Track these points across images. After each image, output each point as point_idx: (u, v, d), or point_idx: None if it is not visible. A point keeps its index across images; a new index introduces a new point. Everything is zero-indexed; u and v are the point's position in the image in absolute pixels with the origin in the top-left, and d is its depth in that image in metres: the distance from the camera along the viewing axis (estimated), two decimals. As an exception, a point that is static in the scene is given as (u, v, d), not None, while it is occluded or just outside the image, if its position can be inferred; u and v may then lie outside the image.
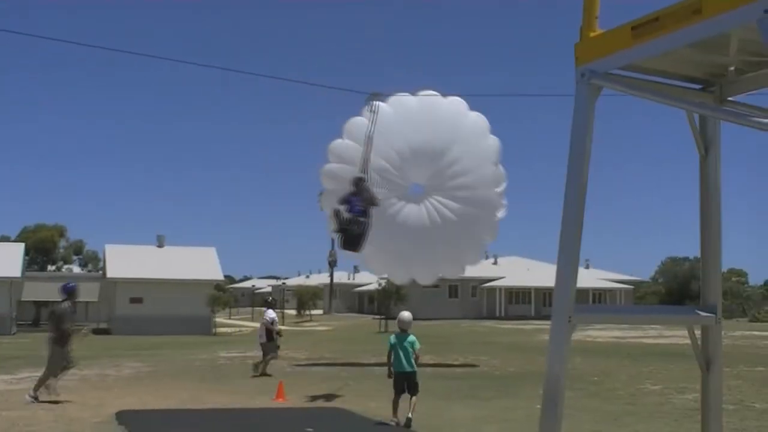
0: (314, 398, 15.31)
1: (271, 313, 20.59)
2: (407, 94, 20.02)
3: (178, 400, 14.83)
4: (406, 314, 12.60)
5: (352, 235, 14.40)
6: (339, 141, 20.02)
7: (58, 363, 14.33)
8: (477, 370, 21.42)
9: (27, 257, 57.96)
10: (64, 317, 14.32)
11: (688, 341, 5.50)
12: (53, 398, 14.08)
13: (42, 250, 70.45)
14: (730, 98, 5.11)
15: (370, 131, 16.33)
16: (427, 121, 19.08)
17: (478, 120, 19.68)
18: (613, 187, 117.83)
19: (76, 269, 74.31)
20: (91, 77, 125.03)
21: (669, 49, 4.43)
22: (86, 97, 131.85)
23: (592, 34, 4.92)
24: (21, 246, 53.69)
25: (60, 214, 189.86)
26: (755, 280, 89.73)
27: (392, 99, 19.69)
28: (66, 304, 14.58)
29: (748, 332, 39.93)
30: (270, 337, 20.10)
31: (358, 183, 15.16)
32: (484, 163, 19.15)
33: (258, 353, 21.38)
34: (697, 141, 5.22)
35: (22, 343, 34.69)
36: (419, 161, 19.16)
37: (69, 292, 14.75)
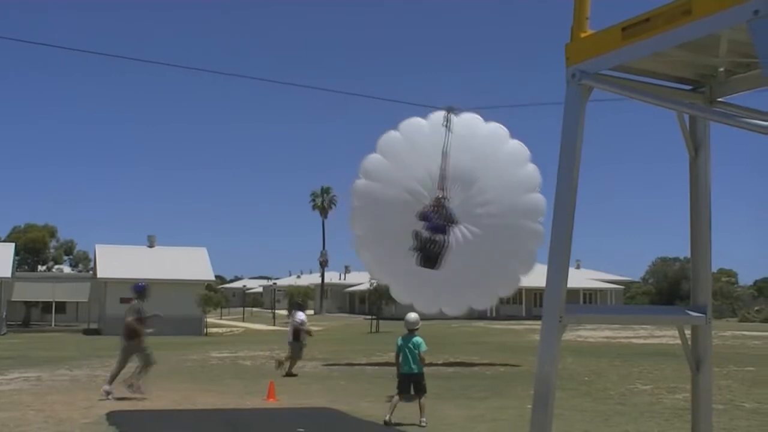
0: (366, 397, 15.30)
1: (301, 315, 20.84)
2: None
3: (169, 401, 14.78)
4: (412, 315, 12.68)
5: (430, 254, 14.29)
6: (372, 156, 19.81)
7: (144, 353, 15.30)
8: (468, 370, 21.44)
9: (17, 257, 57.73)
10: (129, 313, 15.30)
11: (678, 341, 5.52)
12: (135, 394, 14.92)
13: (32, 250, 70.18)
14: (720, 99, 5.13)
15: (445, 146, 15.59)
16: (463, 146, 18.81)
17: (517, 148, 19.31)
18: (603, 188, 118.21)
19: (67, 269, 74.09)
20: (83, 79, 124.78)
21: (659, 49, 4.44)
22: (78, 99, 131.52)
23: (582, 35, 4.93)
24: (11, 246, 53.47)
25: (50, 214, 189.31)
26: (745, 280, 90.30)
27: (432, 118, 19.48)
28: (135, 303, 15.54)
29: (738, 332, 40.10)
30: (297, 337, 20.27)
31: (437, 200, 14.96)
32: (518, 193, 18.72)
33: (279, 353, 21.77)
34: (687, 142, 5.23)
35: (11, 344, 34.57)
36: (451, 186, 18.87)
37: (138, 291, 15.87)
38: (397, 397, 12.19)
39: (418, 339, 12.30)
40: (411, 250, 14.50)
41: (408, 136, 18.86)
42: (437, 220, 14.49)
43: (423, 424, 11.84)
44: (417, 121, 18.73)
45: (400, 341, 12.39)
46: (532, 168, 19.09)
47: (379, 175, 18.93)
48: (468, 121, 18.95)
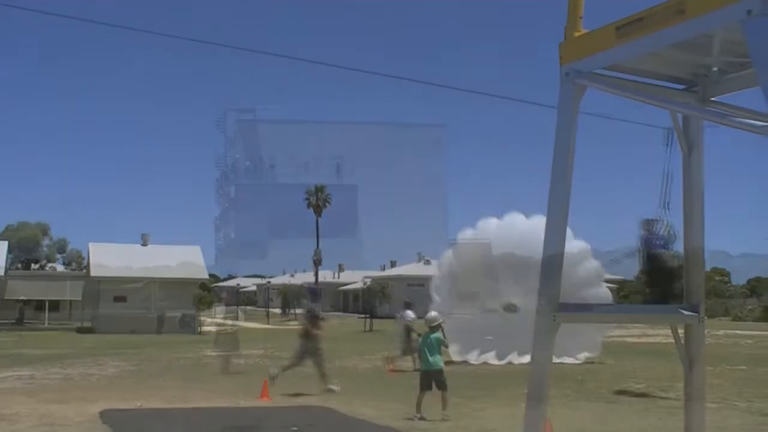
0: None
1: (410, 314, 21.65)
2: (521, 214, 22.83)
3: (163, 400, 14.76)
4: (432, 313, 13.28)
5: (660, 277, 14.40)
6: (447, 253, 23.23)
7: (316, 354, 15.85)
8: (461, 368, 21.42)
9: (10, 255, 57.56)
10: (306, 315, 16.66)
11: (672, 340, 5.54)
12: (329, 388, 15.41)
13: (25, 248, 70.00)
14: (713, 98, 5.14)
15: (666, 166, 16.05)
16: (525, 244, 20.45)
17: (580, 246, 20.80)
18: (598, 186, 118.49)
19: (60, 268, 73.87)
20: (77, 77, 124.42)
21: (653, 49, 4.45)
22: (73, 96, 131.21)
23: (576, 34, 4.93)
24: (4, 244, 53.29)
25: (43, 212, 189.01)
26: (737, 279, 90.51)
27: (506, 218, 22.75)
28: (311, 305, 17.13)
29: (730, 331, 40.22)
30: (408, 335, 21.03)
31: (648, 223, 14.99)
32: (581, 287, 20.14)
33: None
34: (680, 140, 5.25)
35: (4, 342, 34.42)
36: (514, 280, 21.11)
37: (312, 293, 18.40)
38: (421, 394, 12.47)
39: (436, 335, 12.70)
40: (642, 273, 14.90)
41: (476, 235, 22.19)
42: (658, 241, 14.56)
43: (444, 413, 12.14)
44: (491, 220, 22.65)
45: (420, 339, 12.78)
46: (595, 264, 21.15)
47: (447, 272, 22.89)
48: (534, 221, 21.41)
